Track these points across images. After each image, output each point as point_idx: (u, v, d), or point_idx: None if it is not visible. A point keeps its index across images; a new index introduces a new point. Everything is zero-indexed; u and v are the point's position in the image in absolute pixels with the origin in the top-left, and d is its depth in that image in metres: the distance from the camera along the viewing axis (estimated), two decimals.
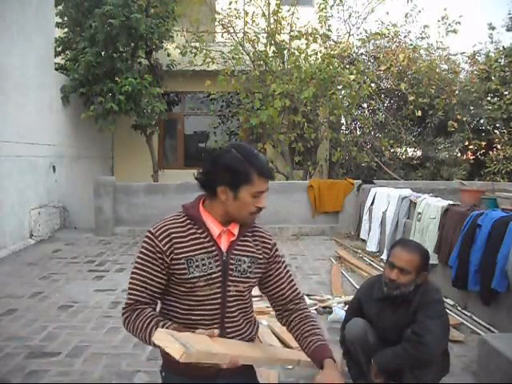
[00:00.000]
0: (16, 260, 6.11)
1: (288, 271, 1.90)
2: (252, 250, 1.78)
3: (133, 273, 1.71)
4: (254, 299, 2.91)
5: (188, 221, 1.70)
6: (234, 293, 1.74)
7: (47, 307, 4.26)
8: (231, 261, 1.71)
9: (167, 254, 1.66)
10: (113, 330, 3.72)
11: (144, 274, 1.68)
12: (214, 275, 1.68)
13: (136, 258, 1.72)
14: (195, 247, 1.67)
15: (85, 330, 3.73)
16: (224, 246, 1.72)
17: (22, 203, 7.00)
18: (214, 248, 1.69)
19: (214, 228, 1.70)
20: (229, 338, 1.73)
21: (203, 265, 1.67)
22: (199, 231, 1.69)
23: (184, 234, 1.68)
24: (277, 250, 1.88)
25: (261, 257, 1.80)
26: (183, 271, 1.66)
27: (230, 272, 1.71)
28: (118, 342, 3.49)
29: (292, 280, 1.90)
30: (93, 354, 3.30)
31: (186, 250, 1.66)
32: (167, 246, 1.66)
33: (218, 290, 1.69)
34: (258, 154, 1.69)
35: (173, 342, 1.43)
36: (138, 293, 1.68)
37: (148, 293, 1.69)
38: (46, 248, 6.85)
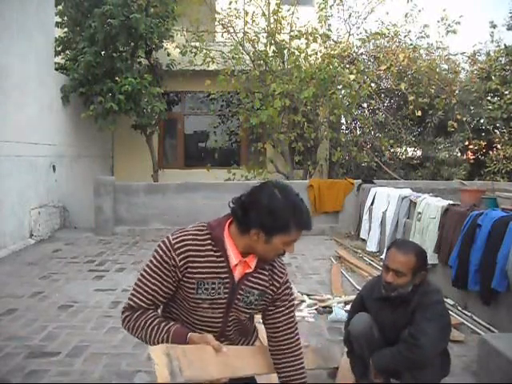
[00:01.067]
0: (16, 260, 6.11)
1: (290, 314, 1.84)
2: (264, 283, 1.75)
3: (142, 276, 1.66)
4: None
5: (209, 241, 1.65)
6: (234, 321, 1.75)
7: (47, 307, 4.26)
8: (240, 291, 1.70)
9: (181, 269, 1.62)
10: (113, 329, 3.71)
11: (153, 281, 1.64)
12: (220, 301, 1.67)
13: (148, 262, 1.67)
14: (209, 270, 1.64)
15: (85, 330, 3.73)
16: (237, 275, 1.69)
17: (22, 203, 7.00)
18: (227, 275, 1.67)
19: (233, 257, 1.66)
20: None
21: (212, 289, 1.65)
22: (217, 254, 1.65)
23: (201, 255, 1.64)
24: (286, 289, 1.82)
25: (269, 291, 1.78)
26: (191, 290, 1.64)
27: (236, 301, 1.71)
28: (118, 342, 3.49)
29: (291, 323, 1.83)
30: (93, 353, 3.30)
31: (199, 271, 1.63)
32: (182, 262, 1.62)
33: (220, 315, 1.69)
34: (302, 202, 1.64)
35: (164, 365, 1.40)
36: (143, 298, 1.65)
37: (153, 300, 1.65)
38: (46, 248, 6.85)
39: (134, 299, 1.66)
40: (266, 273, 1.76)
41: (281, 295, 1.80)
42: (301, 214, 1.61)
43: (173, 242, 1.63)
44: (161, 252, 1.64)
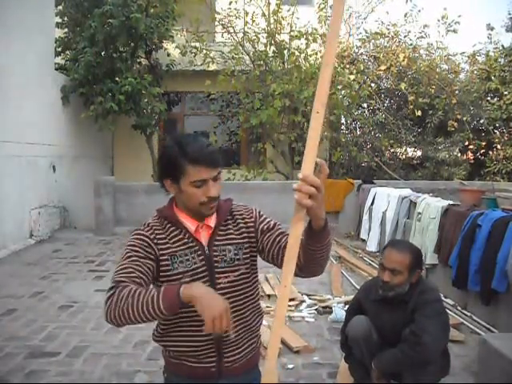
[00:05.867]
0: (16, 260, 6.11)
1: (283, 231, 1.74)
2: (235, 237, 1.72)
3: (121, 260, 1.63)
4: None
5: (165, 222, 1.70)
6: (226, 284, 1.68)
7: (47, 307, 4.26)
8: (214, 253, 1.68)
9: (155, 242, 1.64)
10: (113, 330, 3.71)
11: (131, 260, 1.60)
12: (199, 269, 1.65)
13: (124, 252, 1.65)
14: (177, 243, 1.67)
15: (85, 330, 3.73)
16: (204, 240, 1.69)
17: (22, 203, 7.00)
18: (194, 243, 1.67)
19: (190, 225, 1.69)
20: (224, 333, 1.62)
21: (187, 260, 1.65)
22: (175, 227, 1.69)
23: (166, 234, 1.68)
24: (261, 216, 1.77)
25: (245, 241, 1.73)
26: (168, 267, 1.64)
27: (216, 264, 1.67)
28: (118, 342, 3.49)
29: (283, 231, 1.74)
30: (93, 354, 3.30)
31: (168, 246, 1.66)
32: (154, 237, 1.66)
33: (206, 285, 1.62)
34: (194, 139, 1.61)
35: None
36: (122, 275, 1.58)
37: (133, 275, 1.58)
38: (45, 248, 6.85)
39: (115, 278, 1.59)
40: (232, 226, 1.74)
41: (262, 223, 1.74)
42: (190, 148, 1.56)
43: (140, 230, 1.68)
44: (133, 239, 1.66)
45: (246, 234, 1.74)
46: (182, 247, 1.66)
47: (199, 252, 1.67)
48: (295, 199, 1.29)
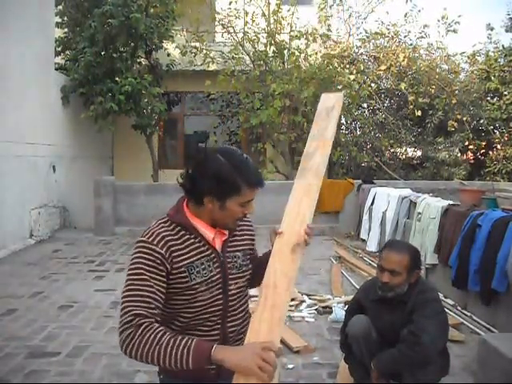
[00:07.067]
0: (16, 260, 6.11)
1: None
2: (241, 243, 1.76)
3: (128, 285, 1.53)
4: (253, 299, 2.91)
5: (178, 228, 1.63)
6: (236, 291, 1.71)
7: (47, 307, 4.26)
8: (228, 259, 1.69)
9: (168, 260, 1.57)
10: (113, 330, 3.71)
11: (145, 283, 1.52)
12: (215, 277, 1.65)
13: (129, 271, 1.56)
14: (193, 252, 1.62)
15: (85, 330, 3.73)
16: (218, 246, 1.68)
17: (22, 203, 7.00)
18: (210, 251, 1.65)
19: (207, 232, 1.65)
20: (230, 335, 1.69)
21: (203, 269, 1.62)
22: (191, 236, 1.63)
23: (179, 242, 1.61)
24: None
25: (248, 247, 1.78)
26: (185, 279, 1.60)
27: (229, 271, 1.69)
28: (118, 342, 3.48)
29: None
30: (93, 354, 3.30)
31: (184, 257, 1.60)
32: (167, 252, 1.57)
33: (219, 292, 1.66)
34: (248, 161, 1.61)
35: None
36: (139, 305, 1.50)
37: (151, 305, 1.52)
38: (45, 248, 6.85)
39: (129, 310, 1.49)
40: (238, 232, 1.76)
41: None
42: (247, 171, 1.58)
43: (146, 238, 1.58)
44: (141, 254, 1.56)
45: (248, 241, 1.79)
46: (198, 256, 1.62)
47: (215, 260, 1.65)
48: (306, 240, 1.71)
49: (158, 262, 1.55)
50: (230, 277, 1.69)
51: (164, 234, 1.60)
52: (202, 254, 1.64)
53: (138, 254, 1.56)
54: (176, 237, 1.61)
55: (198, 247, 1.64)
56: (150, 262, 1.54)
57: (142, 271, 1.53)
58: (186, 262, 1.60)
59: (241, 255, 1.74)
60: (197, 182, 1.58)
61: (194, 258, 1.62)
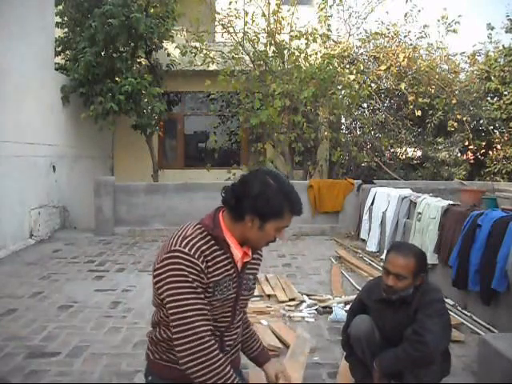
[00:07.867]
0: (16, 260, 6.11)
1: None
2: (254, 266, 1.80)
3: (180, 303, 1.53)
4: (253, 299, 2.92)
5: (212, 241, 1.63)
6: (240, 310, 1.77)
7: (47, 307, 4.26)
8: (244, 281, 1.72)
9: (206, 273, 1.58)
10: (113, 329, 3.71)
11: (198, 296, 1.55)
12: (230, 297, 1.68)
13: (174, 287, 1.54)
14: (220, 270, 1.63)
15: (85, 330, 3.73)
16: (239, 266, 1.70)
17: (22, 203, 7.00)
18: (233, 270, 1.67)
19: (237, 252, 1.66)
20: (227, 348, 1.74)
21: (225, 287, 1.65)
22: (222, 252, 1.64)
23: (210, 257, 1.61)
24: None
25: (256, 271, 1.83)
26: (209, 294, 1.62)
27: (242, 292, 1.73)
28: (118, 342, 3.49)
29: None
30: (93, 354, 3.29)
31: (214, 274, 1.61)
32: (204, 265, 1.58)
33: (229, 309, 1.69)
34: (294, 188, 1.67)
35: None
36: (202, 318, 1.54)
37: (207, 317, 1.57)
38: (46, 248, 6.84)
39: (196, 328, 1.52)
40: (254, 255, 1.79)
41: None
42: (294, 199, 1.63)
43: (187, 250, 1.57)
44: (182, 266, 1.55)
45: (257, 266, 1.83)
46: (225, 274, 1.64)
47: (235, 279, 1.68)
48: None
49: (202, 275, 1.57)
50: (241, 297, 1.73)
51: (203, 247, 1.60)
52: (227, 273, 1.65)
53: (178, 267, 1.56)
54: (208, 252, 1.61)
55: (225, 265, 1.65)
56: (193, 276, 1.56)
57: (189, 284, 1.55)
58: (215, 279, 1.61)
59: (252, 278, 1.78)
60: (243, 200, 1.59)
61: (221, 276, 1.63)
